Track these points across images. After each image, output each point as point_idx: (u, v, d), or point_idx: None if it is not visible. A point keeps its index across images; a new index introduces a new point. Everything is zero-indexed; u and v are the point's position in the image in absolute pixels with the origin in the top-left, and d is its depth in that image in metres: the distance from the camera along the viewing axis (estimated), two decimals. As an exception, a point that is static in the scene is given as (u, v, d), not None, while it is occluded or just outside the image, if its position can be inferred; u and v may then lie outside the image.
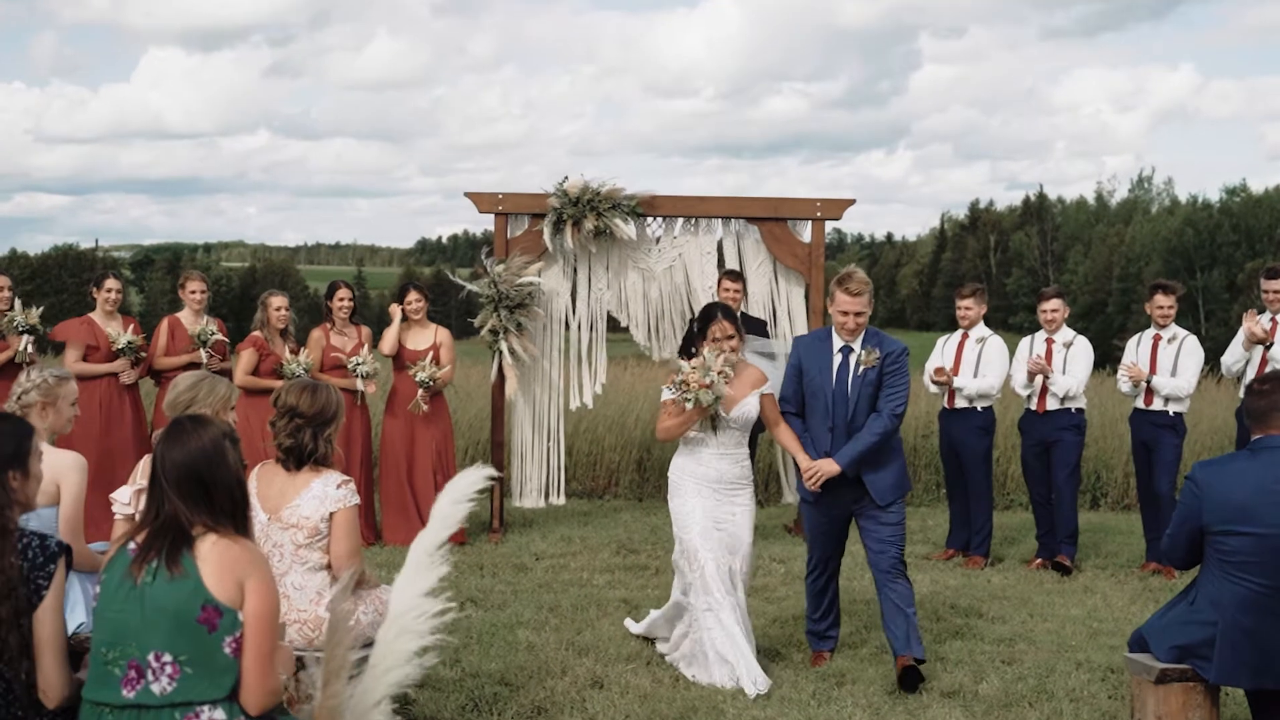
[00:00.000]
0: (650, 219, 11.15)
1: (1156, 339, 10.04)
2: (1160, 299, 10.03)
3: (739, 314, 10.54)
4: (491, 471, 5.00)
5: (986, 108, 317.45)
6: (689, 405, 6.93)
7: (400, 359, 10.86)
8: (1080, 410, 10.04)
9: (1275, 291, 9.73)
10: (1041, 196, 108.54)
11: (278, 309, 10.65)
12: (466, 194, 11.21)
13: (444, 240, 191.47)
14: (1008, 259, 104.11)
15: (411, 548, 4.53)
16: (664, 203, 11.09)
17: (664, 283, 11.12)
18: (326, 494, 5.61)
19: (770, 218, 11.07)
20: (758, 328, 10.65)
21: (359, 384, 10.60)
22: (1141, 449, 10.14)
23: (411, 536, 9.98)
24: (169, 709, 3.78)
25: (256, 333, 10.61)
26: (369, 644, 4.76)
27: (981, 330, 10.32)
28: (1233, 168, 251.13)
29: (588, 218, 10.81)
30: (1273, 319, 9.73)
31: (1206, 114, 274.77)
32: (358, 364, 10.58)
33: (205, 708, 3.80)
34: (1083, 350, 10.03)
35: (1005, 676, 7.11)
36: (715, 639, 6.85)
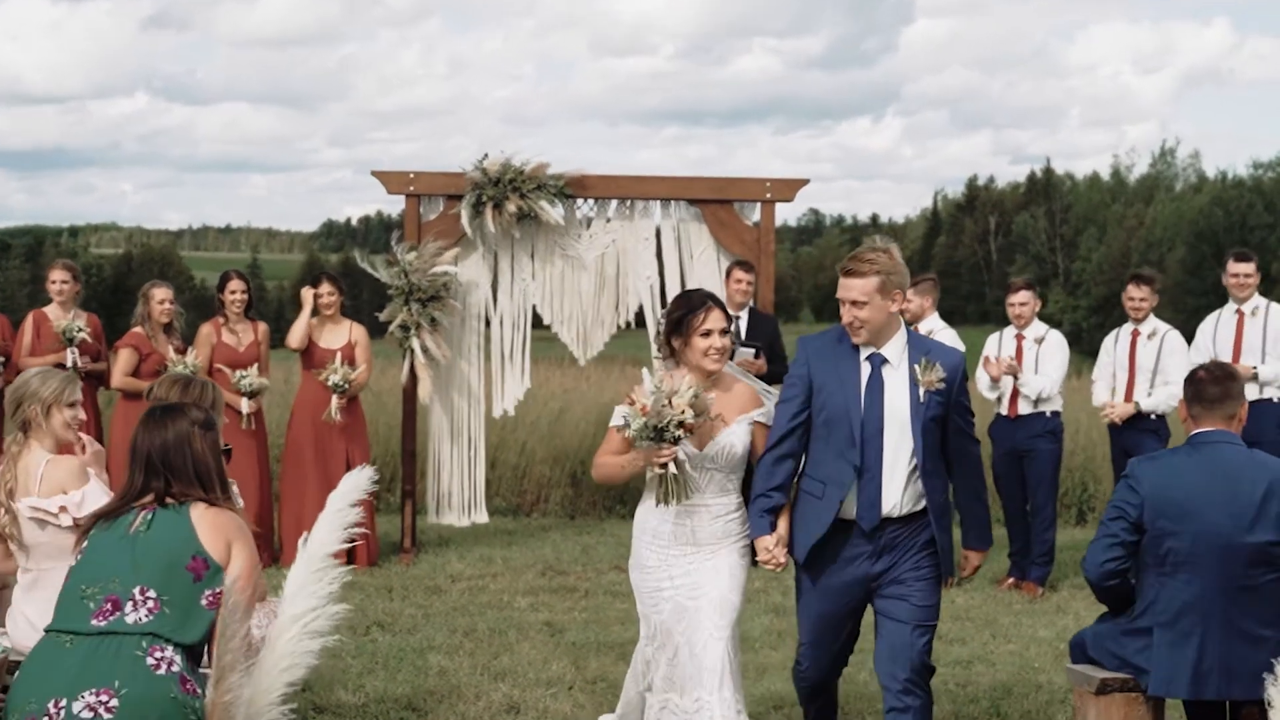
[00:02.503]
0: (581, 201, 11.69)
1: (1135, 335, 10.68)
2: (1133, 290, 10.68)
3: (749, 311, 11.05)
4: (372, 473, 5.58)
5: (988, 68, 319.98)
6: (632, 440, 5.91)
7: (310, 359, 11.31)
8: (1056, 414, 10.67)
9: (1246, 275, 10.40)
10: (1049, 172, 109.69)
11: (161, 302, 11.09)
12: (374, 173, 11.73)
13: (354, 222, 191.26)
14: (1010, 244, 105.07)
15: (300, 549, 5.07)
16: (596, 183, 11.64)
17: (595, 274, 11.67)
18: None
19: (715, 200, 11.64)
20: (766, 329, 11.09)
21: (243, 404, 10.92)
22: (1122, 457, 10.77)
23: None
24: (137, 636, 4.61)
25: (137, 329, 11.05)
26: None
27: (932, 322, 10.92)
28: (1271, 139, 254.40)
29: (510, 199, 11.34)
30: (1238, 310, 10.39)
31: (1242, 76, 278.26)
32: (243, 378, 10.87)
33: (170, 647, 4.64)
34: (1056, 346, 10.66)
35: (957, 699, 7.71)
36: None
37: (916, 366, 5.88)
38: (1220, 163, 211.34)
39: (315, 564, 4.86)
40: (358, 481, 5.32)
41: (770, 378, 10.05)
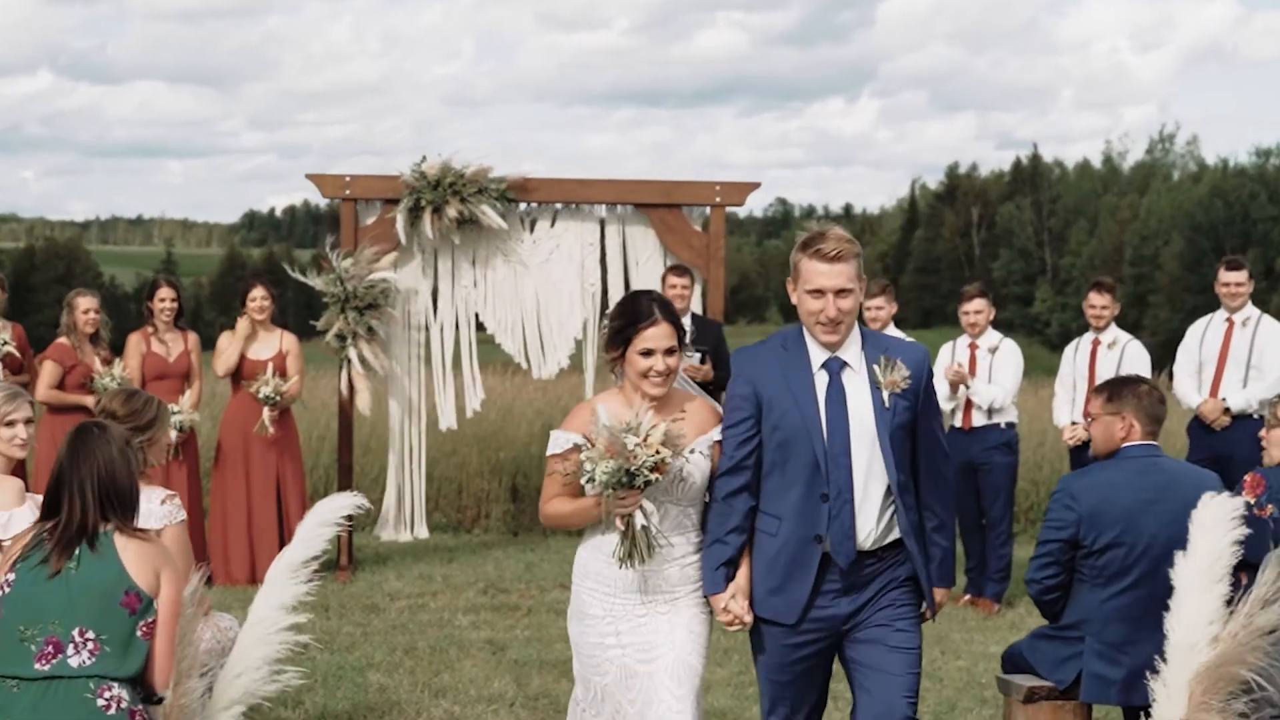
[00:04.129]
0: (524, 205, 12.39)
1: (1095, 344, 11.43)
2: (1094, 298, 11.43)
3: (691, 317, 11.68)
4: (363, 500, 5.96)
5: (973, 45, 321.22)
6: (589, 488, 5.45)
7: (239, 370, 11.93)
8: (1011, 425, 11.42)
9: (1238, 284, 11.15)
10: (1035, 159, 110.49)
11: (86, 311, 11.65)
12: (309, 175, 12.41)
13: (278, 213, 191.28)
14: (994, 237, 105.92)
15: (274, 563, 5.72)
16: (539, 186, 12.36)
17: (539, 280, 12.36)
18: (150, 511, 6.69)
19: (662, 204, 12.36)
20: (710, 336, 11.75)
21: (170, 435, 11.46)
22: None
23: (246, 576, 11.16)
24: (84, 679, 5.12)
25: (62, 340, 11.62)
26: (205, 671, 5.94)
27: (892, 332, 11.62)
28: (1277, 122, 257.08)
29: (450, 203, 12.02)
30: (1229, 318, 11.16)
31: (1248, 54, 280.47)
32: (175, 413, 11.26)
33: (115, 684, 5.15)
34: (1010, 355, 11.42)
35: (900, 713, 8.43)
36: None
37: (876, 366, 5.53)
38: (1222, 148, 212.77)
39: (286, 575, 5.46)
40: (342, 505, 5.82)
41: (717, 384, 10.79)
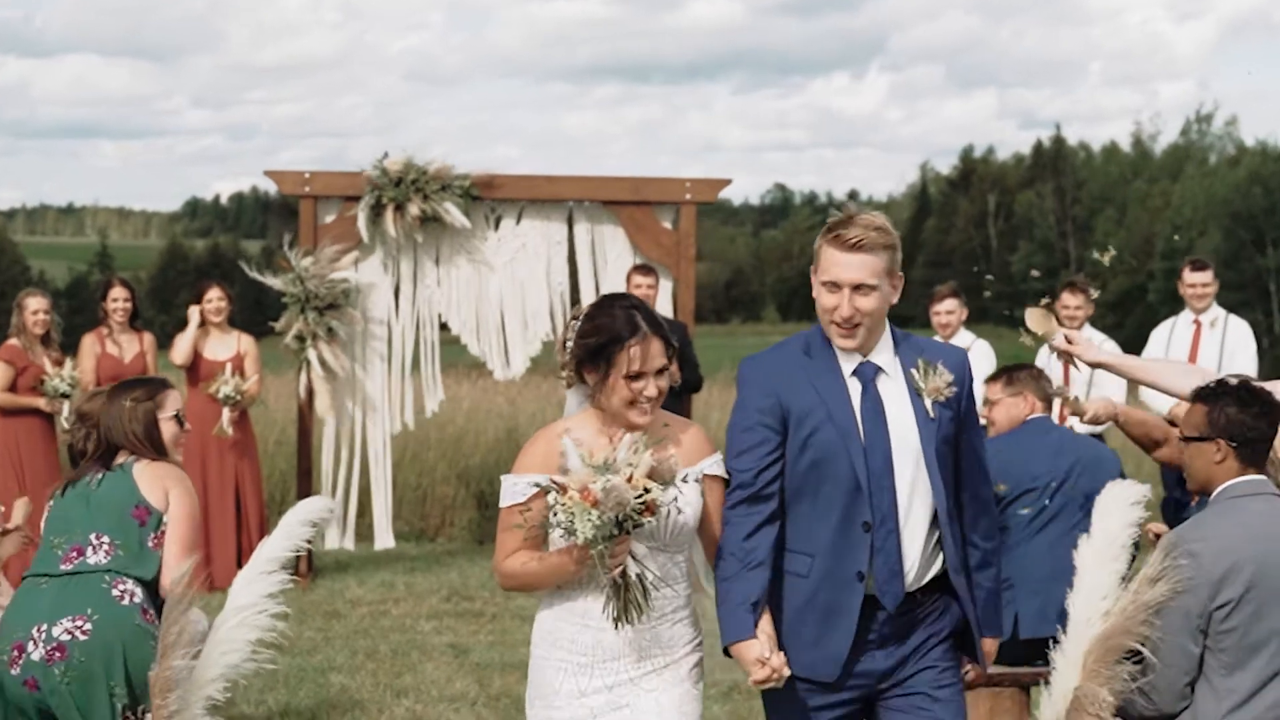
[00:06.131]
0: (488, 203, 13.35)
1: (1069, 345, 12.43)
2: (1067, 299, 12.44)
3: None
4: (332, 504, 6.98)
5: (993, 15, 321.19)
6: (566, 540, 4.94)
7: (196, 372, 12.91)
8: (982, 429, 12.39)
9: (1204, 285, 12.20)
10: (1058, 141, 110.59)
11: (35, 312, 12.54)
12: (267, 172, 13.40)
13: (224, 201, 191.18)
14: (1013, 227, 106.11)
15: (254, 554, 6.71)
16: (505, 183, 13.32)
17: (504, 280, 13.32)
18: None
19: (631, 201, 13.33)
20: (675, 336, 12.60)
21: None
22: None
23: (203, 581, 12.10)
24: (100, 573, 6.39)
25: (12, 341, 12.53)
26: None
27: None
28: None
29: (412, 201, 12.97)
30: (1195, 320, 12.19)
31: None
32: None
33: (130, 580, 6.43)
34: (983, 357, 12.37)
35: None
36: None
37: (914, 371, 5.17)
38: (1261, 130, 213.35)
39: (263, 567, 6.47)
40: (316, 507, 6.73)
41: (685, 387, 11.75)
